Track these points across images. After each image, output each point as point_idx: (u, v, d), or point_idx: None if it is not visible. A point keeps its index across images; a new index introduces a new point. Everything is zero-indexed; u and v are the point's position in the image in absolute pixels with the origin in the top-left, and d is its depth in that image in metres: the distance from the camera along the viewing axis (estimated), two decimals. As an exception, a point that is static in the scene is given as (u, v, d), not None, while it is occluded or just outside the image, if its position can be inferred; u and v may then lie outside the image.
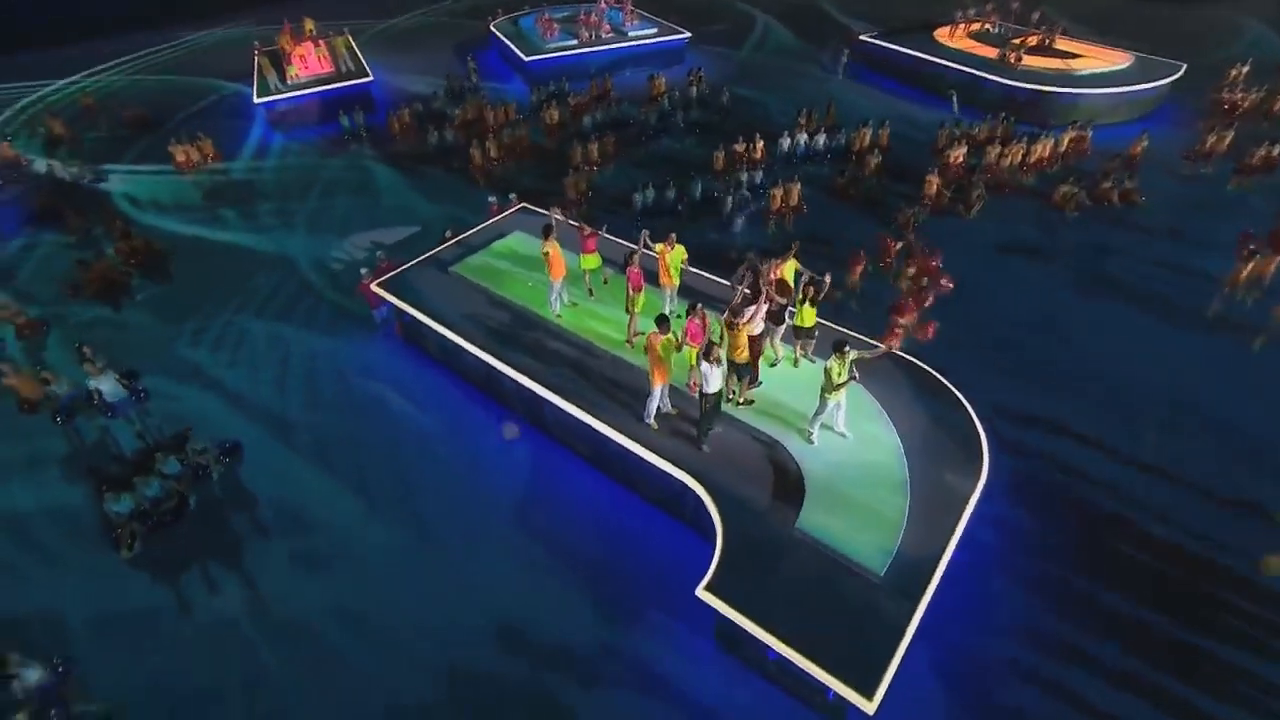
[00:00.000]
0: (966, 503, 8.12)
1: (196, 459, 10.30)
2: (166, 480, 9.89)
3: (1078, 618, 8.15)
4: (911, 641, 6.98)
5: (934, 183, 15.60)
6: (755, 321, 8.70)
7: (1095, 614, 8.18)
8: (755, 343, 9.00)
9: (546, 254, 10.44)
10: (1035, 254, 14.73)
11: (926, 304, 11.69)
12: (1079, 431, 10.44)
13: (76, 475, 10.44)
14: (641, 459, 8.95)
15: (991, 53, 21.78)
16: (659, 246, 10.35)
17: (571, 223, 11.27)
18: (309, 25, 22.09)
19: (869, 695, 6.48)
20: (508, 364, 10.31)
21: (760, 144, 17.55)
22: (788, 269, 10.14)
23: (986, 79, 20.75)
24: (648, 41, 24.53)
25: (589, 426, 9.43)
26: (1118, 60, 21.14)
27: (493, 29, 25.98)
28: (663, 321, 8.40)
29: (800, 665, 6.75)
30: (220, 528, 9.63)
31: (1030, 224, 15.73)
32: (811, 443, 8.77)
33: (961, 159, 16.87)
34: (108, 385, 10.78)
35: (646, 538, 9.26)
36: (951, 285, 11.91)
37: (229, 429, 10.94)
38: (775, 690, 7.51)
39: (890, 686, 6.60)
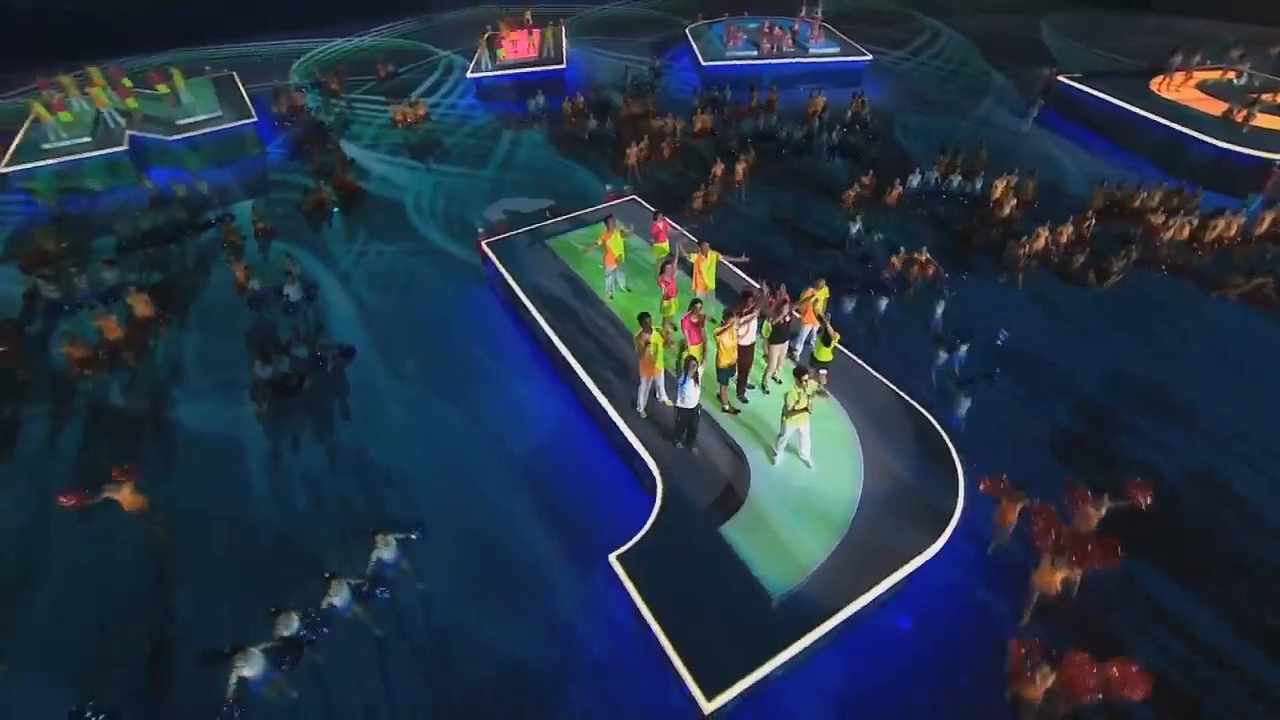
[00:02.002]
0: (899, 566, 7.66)
1: (320, 351, 12.77)
2: (296, 362, 12.45)
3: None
4: (791, 678, 7.02)
5: (1042, 235, 13.74)
6: (743, 327, 8.78)
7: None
8: (744, 353, 9.09)
9: (599, 244, 11.28)
10: (1155, 341, 12.46)
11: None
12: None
13: (251, 344, 13.42)
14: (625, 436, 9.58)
15: (1219, 109, 18.14)
16: (693, 256, 10.68)
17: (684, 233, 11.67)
18: (527, 14, 24.66)
19: (709, 696, 6.66)
20: (550, 327, 11.43)
21: (897, 191, 15.92)
22: (819, 299, 9.95)
23: (1195, 138, 17.38)
24: (827, 59, 23.83)
25: (595, 395, 10.23)
26: None
27: (687, 31, 26.82)
28: (644, 318, 8.86)
29: (665, 649, 7.07)
30: (318, 407, 11.92)
31: (1175, 309, 13.27)
32: (773, 463, 8.74)
33: (1089, 226, 14.41)
34: (294, 290, 13.65)
35: (622, 503, 9.69)
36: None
37: (350, 335, 13.31)
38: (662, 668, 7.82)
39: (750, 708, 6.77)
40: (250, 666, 6.91)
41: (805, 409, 7.91)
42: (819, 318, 9.33)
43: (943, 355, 11.32)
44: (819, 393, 9.37)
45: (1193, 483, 9.77)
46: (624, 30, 30.51)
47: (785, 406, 8.08)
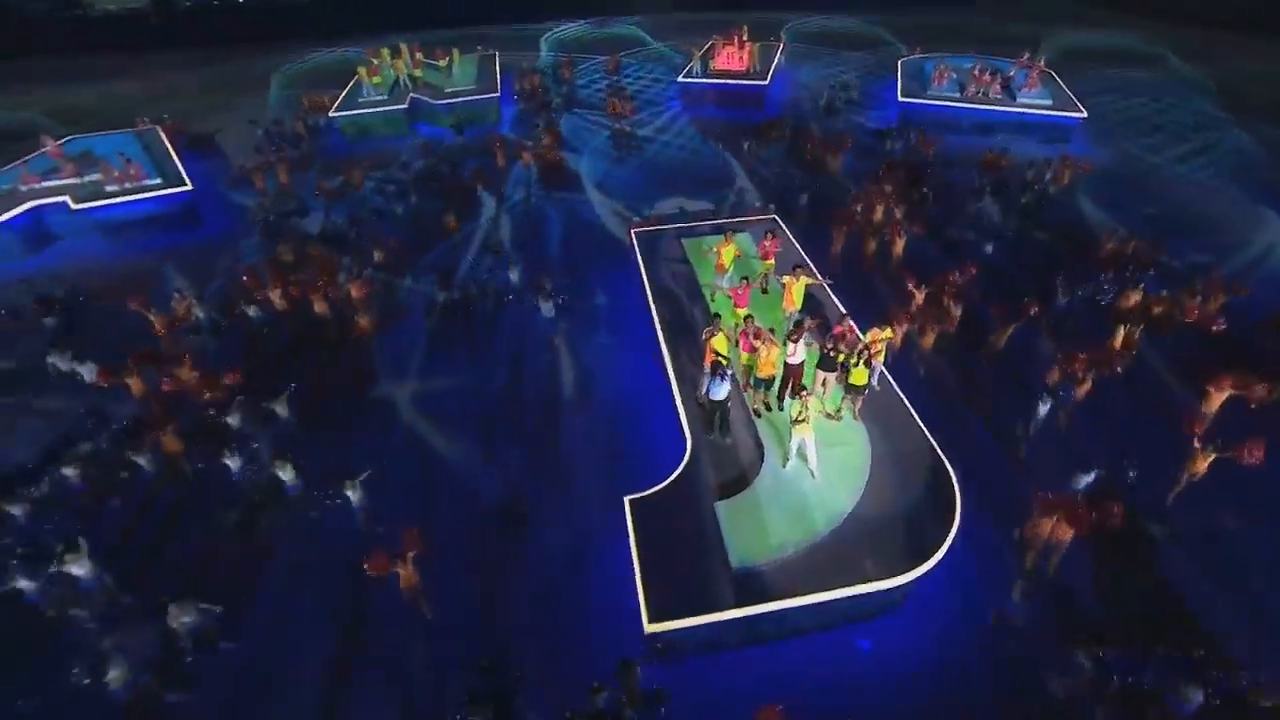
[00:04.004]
0: (848, 585, 8.30)
1: (483, 288, 15.77)
2: (464, 294, 15.58)
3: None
4: (737, 657, 8.31)
5: (1132, 332, 12.45)
6: (790, 346, 9.82)
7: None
8: (790, 370, 10.10)
9: (715, 250, 12.77)
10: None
11: None
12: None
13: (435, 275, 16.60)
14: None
15: None
16: (786, 279, 11.75)
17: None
18: (744, 29, 26.00)
19: (653, 619, 8.09)
20: (655, 310, 13.26)
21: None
22: (883, 338, 10.56)
23: None
24: (1035, 111, 22.11)
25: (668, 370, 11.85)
26: None
27: (899, 63, 26.26)
28: (716, 318, 10.29)
29: (635, 574, 8.59)
30: (465, 328, 14.81)
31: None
32: (784, 466, 9.71)
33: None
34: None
35: (661, 463, 10.64)
36: None
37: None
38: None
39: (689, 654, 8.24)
40: None
41: (805, 420, 8.82)
42: (864, 347, 10.01)
43: None
44: (829, 415, 10.15)
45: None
46: (841, 46, 30.92)
47: (791, 416, 9.07)
